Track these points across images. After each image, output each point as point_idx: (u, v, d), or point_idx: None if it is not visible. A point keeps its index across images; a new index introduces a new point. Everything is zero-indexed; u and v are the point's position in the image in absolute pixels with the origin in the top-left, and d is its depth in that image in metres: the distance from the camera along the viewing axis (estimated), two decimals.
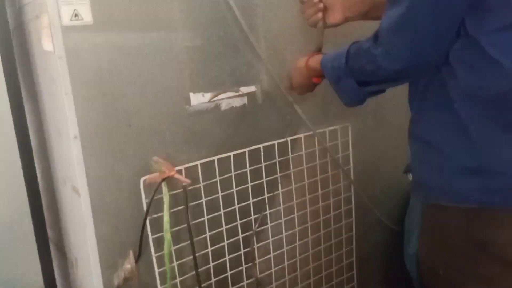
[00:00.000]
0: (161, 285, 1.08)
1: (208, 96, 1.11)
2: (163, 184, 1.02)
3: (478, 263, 0.84)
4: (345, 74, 0.90)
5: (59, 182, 1.10)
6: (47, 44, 0.93)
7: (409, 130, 0.94)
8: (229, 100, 1.15)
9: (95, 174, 0.98)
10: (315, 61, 1.01)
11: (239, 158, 1.15)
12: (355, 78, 0.89)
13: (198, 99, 1.09)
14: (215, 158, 1.11)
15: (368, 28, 1.18)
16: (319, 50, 1.10)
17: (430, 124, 0.85)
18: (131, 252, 1.04)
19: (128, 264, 1.04)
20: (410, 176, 1.07)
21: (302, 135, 1.25)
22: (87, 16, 0.92)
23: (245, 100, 1.17)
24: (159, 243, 1.05)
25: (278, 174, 1.22)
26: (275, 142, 1.20)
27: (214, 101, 1.12)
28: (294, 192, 1.27)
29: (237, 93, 1.15)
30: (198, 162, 1.08)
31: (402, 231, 1.53)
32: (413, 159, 0.92)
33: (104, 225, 1.01)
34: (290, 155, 1.24)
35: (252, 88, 1.18)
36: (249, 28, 1.12)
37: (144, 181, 1.00)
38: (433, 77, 0.81)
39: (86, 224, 0.99)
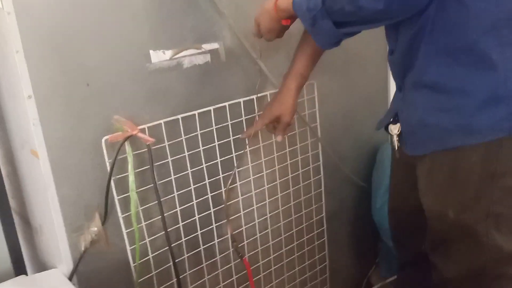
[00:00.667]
0: (130, 246, 1.07)
1: (169, 53, 1.08)
2: (126, 143, 1.00)
3: (491, 199, 0.86)
4: (321, 15, 0.87)
5: (17, 148, 1.07)
6: None
7: (408, 87, 0.93)
8: (191, 57, 1.12)
9: (53, 135, 0.95)
10: (286, 2, 0.97)
11: (205, 117, 1.14)
12: (333, 19, 0.87)
13: (159, 57, 1.07)
14: (180, 116, 1.09)
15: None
16: None
17: (443, 67, 0.83)
18: (97, 214, 1.03)
19: (95, 227, 1.03)
20: (391, 130, 1.06)
21: (268, 93, 1.24)
22: None
23: (208, 57, 1.15)
24: (125, 203, 1.04)
25: (245, 132, 1.22)
26: (241, 100, 1.19)
27: (176, 58, 1.09)
28: (262, 150, 1.27)
29: (199, 50, 1.13)
30: (161, 121, 1.06)
31: (370, 186, 1.57)
32: (419, 114, 0.90)
33: (66, 188, 0.98)
34: (257, 113, 1.23)
35: (214, 45, 1.15)
36: None
37: (106, 140, 0.98)
38: (439, 16, 0.80)
39: (47, 188, 0.96)
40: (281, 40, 1.13)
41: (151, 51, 1.05)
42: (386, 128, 1.06)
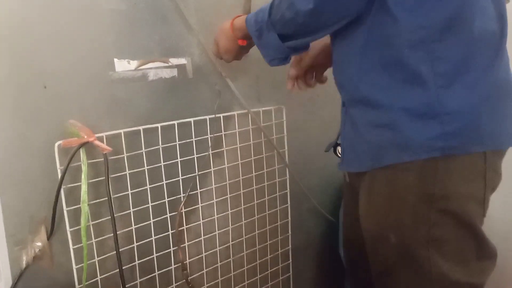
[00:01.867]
0: (76, 265, 0.99)
1: (134, 63, 1.06)
2: (81, 150, 0.95)
3: (430, 222, 0.82)
4: (267, 27, 0.88)
5: None
6: None
7: (347, 102, 0.92)
8: (157, 70, 1.11)
9: (2, 138, 0.90)
10: (240, 21, 0.99)
11: (168, 132, 1.11)
12: (277, 31, 0.87)
13: (123, 66, 1.05)
14: (141, 128, 1.06)
15: None
16: (246, 13, 1.09)
17: (375, 82, 0.82)
18: (42, 227, 0.96)
19: (39, 241, 0.96)
20: (339, 152, 1.06)
21: (235, 113, 1.23)
22: None
23: (174, 72, 1.14)
24: (75, 216, 0.98)
25: (210, 151, 1.19)
26: (207, 117, 1.17)
27: (141, 69, 1.08)
28: (227, 171, 1.24)
29: (166, 64, 1.12)
30: (121, 131, 1.03)
31: (337, 220, 1.54)
32: (358, 130, 0.89)
33: (11, 195, 0.92)
34: (223, 132, 1.21)
35: (182, 61, 1.15)
36: None
37: (59, 145, 0.93)
38: (372, 30, 0.81)
39: None
40: (251, 63, 1.14)
41: (115, 59, 1.03)
42: (335, 150, 1.06)
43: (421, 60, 0.78)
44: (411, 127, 0.80)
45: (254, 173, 1.30)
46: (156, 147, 1.09)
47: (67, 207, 0.96)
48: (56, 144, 0.93)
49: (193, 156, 1.16)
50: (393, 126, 0.82)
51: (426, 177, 0.82)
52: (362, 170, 0.91)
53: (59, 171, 0.94)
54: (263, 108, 1.29)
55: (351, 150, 0.94)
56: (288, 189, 1.39)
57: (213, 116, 1.18)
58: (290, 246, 1.42)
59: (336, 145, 1.02)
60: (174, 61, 1.13)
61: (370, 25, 0.81)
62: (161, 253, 1.13)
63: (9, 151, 0.91)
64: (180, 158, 1.13)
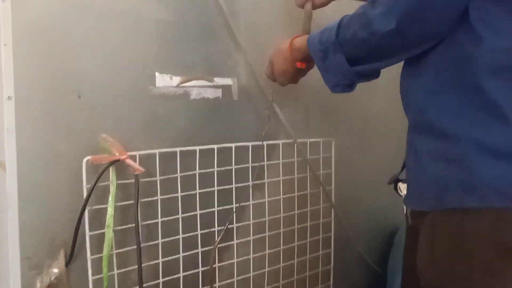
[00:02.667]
0: None
1: (176, 80, 0.99)
2: (111, 168, 0.86)
3: (505, 278, 0.69)
4: (334, 48, 0.80)
5: None
6: None
7: (412, 128, 0.81)
8: (200, 89, 1.03)
9: (28, 147, 0.83)
10: (301, 40, 0.91)
11: (206, 156, 1.01)
12: (345, 53, 0.79)
13: (165, 81, 0.97)
14: (178, 149, 0.97)
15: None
16: (306, 34, 1.01)
17: (445, 107, 0.72)
18: (61, 252, 0.86)
19: (57, 267, 0.86)
20: (401, 189, 0.94)
21: (280, 142, 1.13)
22: None
23: (219, 92, 1.06)
24: (98, 243, 0.88)
25: (251, 182, 1.08)
26: (250, 144, 1.07)
27: (183, 86, 1.00)
28: (267, 207, 1.12)
29: (210, 83, 1.04)
30: (156, 151, 0.94)
31: (385, 272, 1.38)
32: (421, 161, 0.78)
33: (31, 212, 0.83)
34: (266, 162, 1.10)
35: (228, 81, 1.07)
36: (230, 11, 1.03)
37: (88, 161, 0.85)
38: (451, 48, 0.71)
39: (9, 207, 0.82)
40: (301, 89, 1.05)
41: (157, 73, 0.96)
42: (396, 187, 0.93)
43: (503, 90, 0.68)
44: (485, 167, 0.69)
45: (296, 211, 1.18)
46: (193, 172, 0.99)
47: (90, 231, 0.87)
48: (85, 160, 0.85)
49: (231, 186, 1.05)
50: (462, 162, 0.70)
51: (502, 226, 0.69)
52: (423, 208, 0.79)
53: (85, 189, 0.85)
54: (311, 140, 1.19)
55: (413, 184, 0.82)
56: (332, 232, 1.26)
57: (257, 143, 1.08)
58: None
59: (397, 180, 0.90)
60: (219, 80, 1.05)
61: (447, 43, 0.71)
62: None
63: (36, 162, 0.83)
64: (217, 186, 1.03)
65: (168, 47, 0.98)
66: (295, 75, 0.98)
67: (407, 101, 0.81)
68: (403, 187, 0.88)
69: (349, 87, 0.85)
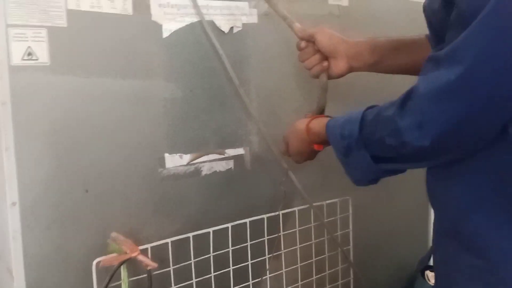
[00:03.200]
0: None
1: (187, 158, 0.95)
2: (122, 267, 0.82)
3: None
4: (357, 145, 0.73)
5: None
6: None
7: (441, 232, 0.75)
8: (212, 163, 0.98)
9: (35, 252, 0.79)
10: (319, 124, 0.85)
11: (220, 235, 0.97)
12: (370, 152, 0.72)
13: (175, 161, 0.93)
14: (191, 235, 0.92)
15: (373, 80, 1.06)
16: (321, 109, 0.96)
17: (486, 224, 0.64)
18: None
19: None
20: (429, 278, 0.89)
21: (296, 209, 1.09)
22: (43, 56, 0.77)
23: (231, 164, 1.01)
24: None
25: (267, 256, 1.04)
26: (265, 216, 1.03)
27: (194, 164, 0.96)
28: (284, 278, 1.08)
29: (222, 156, 0.99)
30: (169, 240, 0.90)
31: None
32: (452, 274, 0.71)
33: None
34: (282, 232, 1.06)
35: (240, 151, 1.02)
36: (240, 81, 0.98)
37: (97, 263, 0.81)
38: (487, 160, 0.64)
39: None
40: None
41: (166, 155, 0.92)
42: (423, 273, 0.87)
43: None
44: None
45: (314, 276, 1.13)
46: (207, 255, 0.95)
47: None
48: (95, 262, 0.81)
49: (247, 263, 1.01)
50: (509, 284, 0.63)
51: None
52: None
53: None
54: (327, 201, 1.14)
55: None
56: None
57: (273, 214, 1.04)
58: None
59: (426, 267, 0.85)
60: (230, 151, 1.01)
61: (485, 153, 0.64)
62: None
63: (44, 267, 0.80)
64: (232, 266, 0.99)
65: (178, 125, 0.93)
66: (312, 154, 0.93)
67: (436, 203, 0.74)
68: (431, 276, 0.83)
69: (374, 181, 0.79)
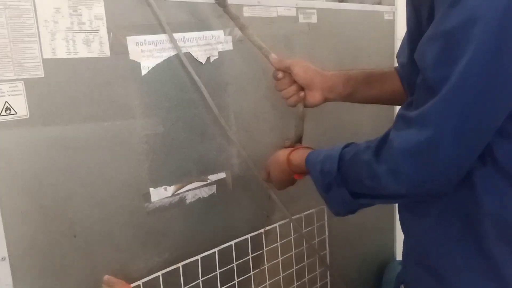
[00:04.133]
0: None
1: (171, 189, 0.95)
2: None
3: None
4: (337, 182, 0.77)
5: None
6: None
7: (410, 258, 0.80)
8: (195, 191, 0.99)
9: None
10: (299, 157, 0.88)
11: (208, 260, 0.99)
12: (349, 189, 0.76)
13: (160, 194, 0.93)
14: (180, 265, 0.94)
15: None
16: (299, 138, 0.98)
17: (450, 259, 0.70)
18: None
19: None
20: None
21: (277, 224, 1.11)
22: (21, 109, 0.74)
23: (213, 189, 1.02)
24: None
25: (251, 272, 1.07)
26: (248, 236, 1.05)
27: (179, 194, 0.96)
28: None
29: (205, 182, 1.00)
30: (159, 273, 0.91)
31: None
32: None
33: None
34: (264, 249, 1.09)
35: (222, 175, 1.03)
36: (218, 109, 0.98)
37: None
38: (452, 203, 0.69)
39: None
40: None
41: (151, 189, 0.91)
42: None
43: (507, 260, 0.66)
44: None
45: (295, 283, 1.18)
46: (196, 282, 0.97)
47: None
48: None
49: (234, 282, 1.04)
50: None
51: None
52: None
53: None
54: (305, 213, 1.18)
55: None
56: None
57: (256, 233, 1.06)
58: None
59: (401, 282, 0.90)
60: (213, 177, 1.01)
61: (450, 197, 0.69)
62: None
63: None
64: (220, 287, 1.01)
65: (161, 159, 0.92)
66: (293, 182, 0.96)
67: (406, 231, 0.80)
68: None
69: (353, 212, 0.83)
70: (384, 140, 0.68)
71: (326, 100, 0.96)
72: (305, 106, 0.96)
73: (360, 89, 0.96)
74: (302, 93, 0.94)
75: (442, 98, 0.59)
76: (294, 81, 0.94)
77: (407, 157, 0.63)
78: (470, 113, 0.59)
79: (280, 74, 0.94)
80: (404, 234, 0.81)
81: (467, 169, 0.65)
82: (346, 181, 0.76)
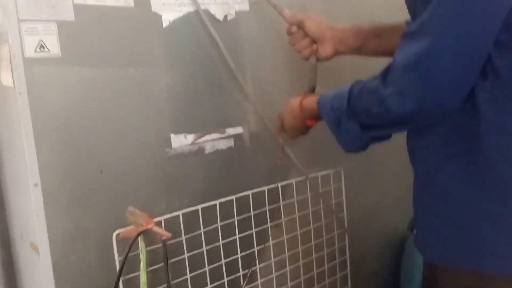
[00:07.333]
0: None
1: (191, 138, 0.97)
2: (139, 238, 0.85)
3: None
4: (347, 116, 0.77)
5: (16, 237, 0.92)
6: (7, 79, 0.79)
7: (419, 184, 0.79)
8: (214, 142, 1.01)
9: (58, 228, 0.81)
10: (311, 101, 0.88)
11: (226, 207, 1.00)
12: (359, 121, 0.76)
13: (180, 141, 0.95)
14: (199, 207, 0.95)
15: (359, 63, 1.09)
16: (312, 88, 0.98)
17: (455, 176, 0.69)
18: None
19: None
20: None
21: (293, 180, 1.12)
22: (54, 48, 0.79)
23: (231, 142, 1.04)
24: None
25: (269, 224, 1.07)
26: (265, 188, 1.06)
27: (198, 143, 0.98)
28: (285, 243, 1.11)
29: (223, 135, 1.02)
30: (180, 212, 0.93)
31: (398, 281, 1.39)
32: (430, 218, 0.75)
33: None
34: (281, 202, 1.09)
35: (239, 130, 1.05)
36: (236, 65, 1.01)
37: (118, 235, 0.84)
38: (457, 121, 0.68)
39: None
40: None
41: (172, 135, 0.94)
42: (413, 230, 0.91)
43: (510, 167, 0.65)
44: (497, 238, 0.67)
45: (313, 242, 1.17)
46: (215, 225, 0.98)
47: None
48: (114, 234, 0.84)
49: (251, 231, 1.04)
50: (474, 230, 0.69)
51: None
52: (435, 262, 0.78)
53: (117, 262, 0.84)
54: (322, 173, 1.17)
55: (424, 235, 0.80)
56: (347, 255, 1.25)
57: (272, 186, 1.07)
58: None
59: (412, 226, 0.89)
60: (230, 131, 1.03)
61: (456, 115, 0.69)
62: None
63: (67, 242, 0.82)
64: (238, 234, 1.02)
65: (181, 108, 0.95)
66: (306, 130, 0.96)
67: (414, 160, 0.79)
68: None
69: (364, 147, 0.82)
70: (389, 65, 0.69)
71: (337, 53, 0.97)
72: (318, 59, 0.98)
73: (370, 42, 0.96)
74: (314, 46, 0.96)
75: (436, 4, 0.60)
76: (307, 35, 0.96)
77: (409, 72, 0.63)
78: (464, 17, 0.59)
79: (293, 29, 0.96)
80: (413, 164, 0.80)
81: (469, 83, 0.64)
82: (355, 114, 0.76)
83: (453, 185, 0.70)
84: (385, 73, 0.69)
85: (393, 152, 1.36)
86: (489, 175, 0.67)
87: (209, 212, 0.97)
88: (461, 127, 0.69)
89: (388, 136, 0.79)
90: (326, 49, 0.96)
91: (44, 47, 0.78)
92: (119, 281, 0.84)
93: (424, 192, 0.76)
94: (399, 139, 1.29)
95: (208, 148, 1.00)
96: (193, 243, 0.96)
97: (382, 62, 0.82)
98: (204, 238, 0.96)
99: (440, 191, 0.72)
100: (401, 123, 0.72)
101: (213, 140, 1.01)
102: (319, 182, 1.17)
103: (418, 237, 0.82)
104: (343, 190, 1.22)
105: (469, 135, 0.68)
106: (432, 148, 0.73)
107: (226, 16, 0.99)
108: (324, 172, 1.18)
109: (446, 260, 0.74)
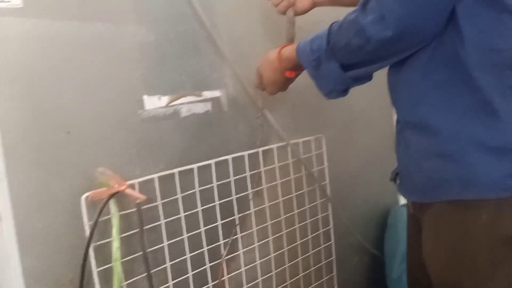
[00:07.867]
0: None
1: (165, 99, 0.91)
2: (111, 201, 0.79)
3: (508, 262, 0.67)
4: (326, 56, 0.74)
5: None
6: None
7: (402, 123, 0.77)
8: (190, 105, 0.95)
9: (21, 193, 0.75)
10: (290, 49, 0.84)
11: (204, 172, 0.95)
12: (339, 60, 0.73)
13: (154, 103, 0.90)
14: (176, 170, 0.90)
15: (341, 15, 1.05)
16: (291, 41, 0.94)
17: (437, 105, 0.68)
18: None
19: None
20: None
21: (274, 146, 1.07)
22: None
23: (208, 106, 0.99)
24: (106, 277, 0.81)
25: (250, 191, 1.02)
26: (245, 153, 1.01)
27: (173, 105, 0.93)
28: (268, 211, 1.07)
29: (199, 98, 0.97)
30: (155, 176, 0.87)
31: (382, 253, 1.36)
32: (412, 155, 0.74)
33: (33, 258, 0.76)
34: (262, 168, 1.05)
35: (216, 93, 0.99)
36: (211, 24, 0.95)
37: (87, 197, 0.78)
38: (438, 48, 0.66)
39: (10, 257, 0.74)
40: (287, 91, 0.98)
41: (144, 97, 0.88)
42: (396, 180, 0.89)
43: (493, 86, 0.64)
44: (480, 162, 0.66)
45: (296, 210, 1.13)
46: (193, 190, 0.93)
47: (97, 267, 0.80)
48: (83, 197, 0.78)
49: (231, 198, 0.99)
50: (458, 157, 0.67)
51: (503, 216, 0.67)
52: (423, 200, 0.76)
53: (87, 227, 0.78)
54: (303, 139, 1.13)
55: (407, 177, 0.78)
56: (331, 224, 1.22)
57: (253, 151, 1.02)
58: (336, 286, 1.24)
59: (397, 174, 0.85)
60: (207, 94, 0.98)
61: (436, 42, 0.67)
62: None
63: (32, 207, 0.76)
64: (218, 200, 0.97)
65: (153, 68, 0.90)
66: (284, 84, 0.92)
67: (396, 97, 0.76)
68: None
69: (344, 92, 0.79)
70: None
71: (315, 5, 0.93)
72: (296, 13, 0.93)
73: None
74: None
75: None
76: None
77: None
78: None
79: None
80: (394, 102, 0.77)
81: (450, 4, 0.63)
82: (335, 52, 0.73)
83: (435, 116, 0.68)
84: (365, 3, 0.68)
85: (375, 119, 1.34)
86: (472, 99, 0.65)
87: (187, 178, 0.92)
88: (443, 52, 0.67)
89: (369, 77, 0.77)
90: (303, 1, 0.92)
91: None
92: (89, 247, 0.78)
93: (407, 132, 0.74)
94: (380, 106, 1.26)
95: (184, 111, 0.95)
96: (171, 210, 0.90)
97: None
98: (183, 204, 0.91)
99: (422, 124, 0.70)
100: (382, 54, 0.70)
101: (189, 103, 0.95)
102: (301, 149, 1.12)
103: (402, 180, 0.80)
104: (325, 157, 1.18)
105: (451, 60, 0.66)
106: (414, 78, 0.71)
107: None
108: (305, 138, 1.14)
109: (430, 196, 0.73)
